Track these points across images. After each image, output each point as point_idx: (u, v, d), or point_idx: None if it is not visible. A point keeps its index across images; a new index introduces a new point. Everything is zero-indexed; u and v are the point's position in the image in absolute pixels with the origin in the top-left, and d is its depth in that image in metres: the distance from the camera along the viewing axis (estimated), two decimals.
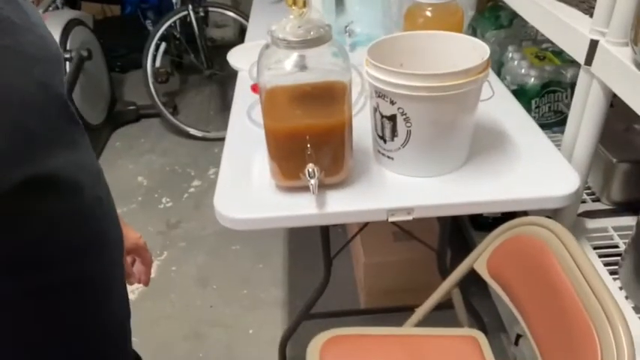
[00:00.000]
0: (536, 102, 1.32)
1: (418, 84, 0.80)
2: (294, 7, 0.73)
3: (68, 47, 2.33)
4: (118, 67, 3.23)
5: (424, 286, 1.14)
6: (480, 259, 0.95)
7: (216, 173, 0.96)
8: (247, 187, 0.93)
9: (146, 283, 0.92)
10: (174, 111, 2.81)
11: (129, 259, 0.90)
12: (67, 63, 2.30)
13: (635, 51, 0.75)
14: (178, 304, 1.72)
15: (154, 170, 2.43)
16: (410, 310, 1.09)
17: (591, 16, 0.87)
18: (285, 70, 0.77)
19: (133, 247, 0.89)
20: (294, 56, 0.76)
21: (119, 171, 2.43)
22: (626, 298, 0.91)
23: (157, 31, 2.54)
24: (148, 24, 3.14)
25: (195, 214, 2.13)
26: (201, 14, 2.61)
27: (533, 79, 1.31)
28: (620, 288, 0.93)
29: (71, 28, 2.41)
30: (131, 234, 0.88)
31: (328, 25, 0.76)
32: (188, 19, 2.56)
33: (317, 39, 0.75)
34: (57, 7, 2.72)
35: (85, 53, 2.32)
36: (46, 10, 2.61)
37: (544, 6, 1.00)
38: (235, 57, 1.40)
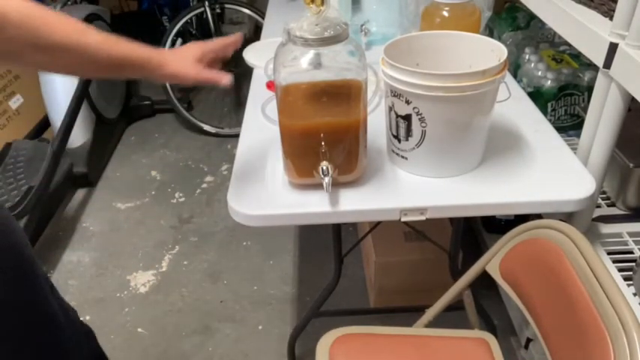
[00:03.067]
0: (552, 105, 1.31)
1: (434, 84, 0.80)
2: (311, 5, 0.73)
3: None
4: None
5: (435, 287, 1.14)
6: (493, 261, 0.94)
7: (229, 169, 0.97)
8: (260, 183, 0.93)
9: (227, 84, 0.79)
10: (189, 107, 2.82)
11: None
12: None
13: None
14: (189, 299, 1.74)
15: (168, 165, 2.45)
16: (420, 310, 1.09)
17: (611, 18, 0.86)
18: (302, 67, 0.77)
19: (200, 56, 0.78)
20: (310, 54, 0.76)
21: (133, 165, 2.45)
22: None
23: (174, 27, 2.56)
24: (165, 20, 3.16)
25: (207, 210, 2.14)
26: (218, 11, 2.62)
27: (549, 82, 1.30)
28: (635, 294, 0.92)
29: (89, 23, 2.43)
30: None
31: (345, 23, 0.76)
32: (204, 16, 2.57)
33: (334, 37, 0.75)
34: (75, 2, 2.75)
35: None
36: (64, 5, 2.63)
37: (563, 8, 0.99)
38: (251, 54, 1.40)
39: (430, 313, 1.06)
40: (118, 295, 1.75)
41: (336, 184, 0.88)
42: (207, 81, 0.75)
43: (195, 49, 0.78)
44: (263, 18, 1.94)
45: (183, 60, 0.76)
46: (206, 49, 0.78)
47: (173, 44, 2.60)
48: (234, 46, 0.83)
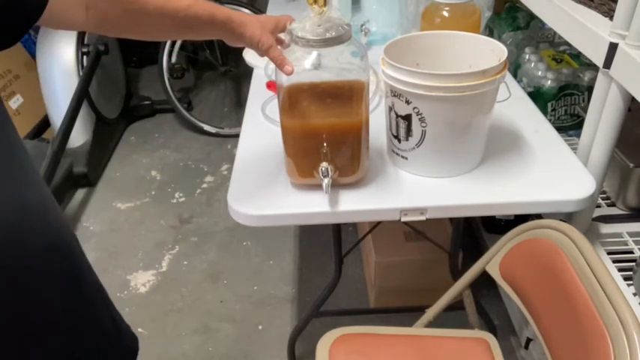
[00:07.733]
0: (552, 105, 1.31)
1: (434, 84, 0.80)
2: (314, 6, 0.73)
3: (86, 41, 2.36)
4: (134, 62, 3.25)
5: (435, 287, 1.14)
6: (493, 261, 0.94)
7: (229, 169, 0.97)
8: (261, 183, 0.93)
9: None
10: (189, 107, 2.82)
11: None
12: (85, 57, 2.32)
13: None
14: (189, 299, 1.74)
15: (168, 165, 2.45)
16: (420, 310, 1.09)
17: (611, 18, 0.86)
18: (304, 68, 0.77)
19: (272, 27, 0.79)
20: (313, 55, 0.76)
21: (133, 165, 2.45)
22: None
23: None
24: None
25: (207, 210, 2.14)
26: None
27: (550, 82, 1.30)
28: (635, 294, 0.92)
29: None
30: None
31: (348, 24, 0.76)
32: None
33: (336, 38, 0.75)
34: None
35: (102, 48, 2.34)
36: None
37: (563, 8, 0.99)
38: (251, 54, 1.40)
39: (430, 313, 1.06)
40: (118, 294, 1.75)
41: (337, 185, 0.88)
42: (276, 59, 0.76)
43: (271, 20, 0.80)
44: None
45: (262, 27, 0.78)
46: (279, 24, 0.80)
47: (173, 44, 2.60)
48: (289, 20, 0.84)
